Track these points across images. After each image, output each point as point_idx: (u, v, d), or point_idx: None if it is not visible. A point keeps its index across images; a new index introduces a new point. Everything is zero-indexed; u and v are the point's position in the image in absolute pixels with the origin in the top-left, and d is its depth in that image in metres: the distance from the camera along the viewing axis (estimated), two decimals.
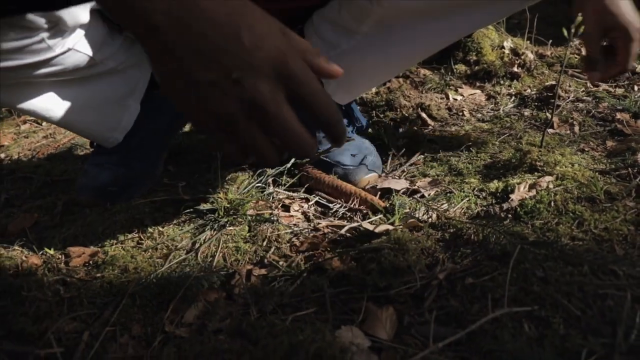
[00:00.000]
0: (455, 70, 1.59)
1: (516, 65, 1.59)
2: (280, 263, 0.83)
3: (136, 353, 0.67)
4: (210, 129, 0.53)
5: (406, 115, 1.32)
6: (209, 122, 0.52)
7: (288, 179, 1.06)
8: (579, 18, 0.94)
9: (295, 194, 1.02)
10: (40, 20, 0.76)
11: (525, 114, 1.32)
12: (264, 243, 0.88)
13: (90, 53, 0.90)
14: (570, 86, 1.49)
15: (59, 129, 1.92)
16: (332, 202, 0.99)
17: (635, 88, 1.50)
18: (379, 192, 1.00)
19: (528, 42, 1.97)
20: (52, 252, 0.91)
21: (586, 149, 1.12)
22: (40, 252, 0.92)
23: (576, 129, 1.22)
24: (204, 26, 0.50)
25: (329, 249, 0.84)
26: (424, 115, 1.29)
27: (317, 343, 0.55)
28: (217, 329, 0.68)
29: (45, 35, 0.80)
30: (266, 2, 0.58)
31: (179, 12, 0.49)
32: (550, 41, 1.93)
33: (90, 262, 0.88)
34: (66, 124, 1.02)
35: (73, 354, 0.67)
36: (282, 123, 0.51)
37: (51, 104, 0.92)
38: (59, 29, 0.80)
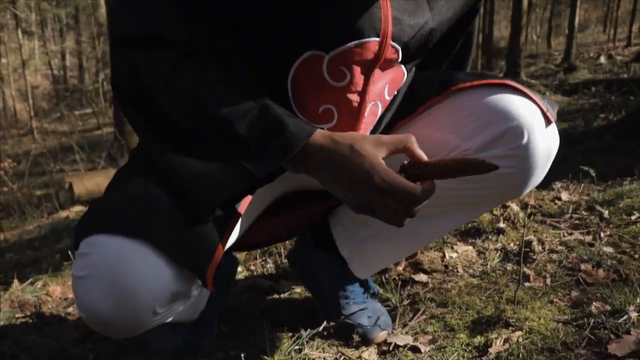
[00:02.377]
0: None
1: (502, 220, 1.92)
2: None
3: None
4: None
5: (410, 275, 1.63)
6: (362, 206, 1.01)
7: (321, 340, 1.36)
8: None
9: (324, 354, 1.31)
10: (195, 292, 1.10)
11: (508, 268, 1.62)
12: None
13: None
14: (547, 237, 1.79)
15: None
16: None
17: (602, 234, 1.80)
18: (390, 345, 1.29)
19: None
20: None
21: (554, 300, 1.40)
22: None
23: (548, 281, 1.51)
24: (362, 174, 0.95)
25: None
26: (424, 276, 1.60)
27: None
28: None
29: (194, 298, 1.14)
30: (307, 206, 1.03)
31: (339, 164, 0.96)
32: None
33: None
34: None
35: None
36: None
37: None
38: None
